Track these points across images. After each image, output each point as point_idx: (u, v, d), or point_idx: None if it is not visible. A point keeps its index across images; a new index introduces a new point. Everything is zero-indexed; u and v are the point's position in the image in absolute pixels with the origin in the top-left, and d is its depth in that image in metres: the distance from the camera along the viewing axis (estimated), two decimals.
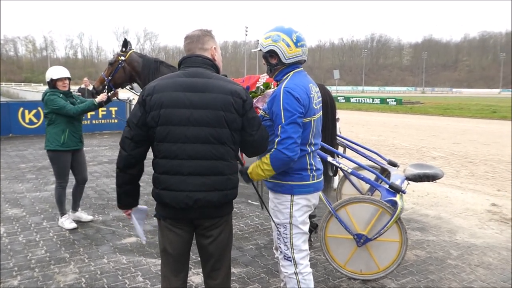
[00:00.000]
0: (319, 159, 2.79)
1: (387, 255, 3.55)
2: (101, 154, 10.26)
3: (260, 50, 2.64)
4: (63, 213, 4.98)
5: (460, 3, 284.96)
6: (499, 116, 24.90)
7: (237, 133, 2.25)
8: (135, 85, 5.09)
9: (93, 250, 4.33)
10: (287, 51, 2.55)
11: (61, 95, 4.72)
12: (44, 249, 4.33)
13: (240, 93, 2.24)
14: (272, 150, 2.45)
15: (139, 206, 2.45)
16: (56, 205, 5.06)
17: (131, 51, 4.90)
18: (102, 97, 4.84)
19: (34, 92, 31.92)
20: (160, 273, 2.44)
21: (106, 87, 4.91)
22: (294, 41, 2.55)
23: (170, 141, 2.15)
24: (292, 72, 2.59)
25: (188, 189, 2.15)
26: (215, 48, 2.38)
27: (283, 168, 2.49)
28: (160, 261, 2.46)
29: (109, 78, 4.89)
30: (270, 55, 2.60)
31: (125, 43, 4.94)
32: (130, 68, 4.84)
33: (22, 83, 77.86)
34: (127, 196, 2.36)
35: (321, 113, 2.71)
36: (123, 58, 4.85)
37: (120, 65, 4.85)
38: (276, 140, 2.44)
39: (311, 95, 2.54)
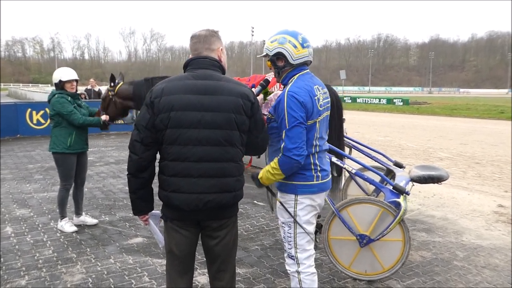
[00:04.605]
0: (328, 160, 2.81)
1: (391, 254, 3.55)
2: (108, 155, 10.32)
3: (267, 54, 2.66)
4: (63, 216, 4.96)
5: (467, 3, 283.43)
6: (506, 116, 24.66)
7: (245, 134, 2.29)
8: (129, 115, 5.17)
9: (100, 250, 4.37)
10: (294, 52, 2.57)
11: (69, 98, 4.76)
12: (51, 249, 4.37)
13: (249, 95, 2.27)
14: (280, 155, 2.48)
15: (153, 210, 2.44)
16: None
17: (119, 84, 4.97)
18: (106, 117, 4.90)
19: (42, 93, 32.13)
20: (166, 273, 2.46)
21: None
22: (300, 42, 2.59)
23: (180, 143, 2.15)
24: (297, 75, 2.61)
25: (198, 191, 2.16)
26: (221, 49, 2.39)
27: (293, 171, 2.53)
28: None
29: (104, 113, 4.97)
30: (277, 58, 2.62)
31: (112, 78, 4.97)
32: (121, 100, 4.93)
33: (30, 84, 78.43)
34: (142, 201, 2.35)
35: (328, 112, 2.72)
36: (112, 93, 4.94)
37: (111, 100, 4.96)
38: (282, 146, 2.47)
39: (316, 97, 2.55)
